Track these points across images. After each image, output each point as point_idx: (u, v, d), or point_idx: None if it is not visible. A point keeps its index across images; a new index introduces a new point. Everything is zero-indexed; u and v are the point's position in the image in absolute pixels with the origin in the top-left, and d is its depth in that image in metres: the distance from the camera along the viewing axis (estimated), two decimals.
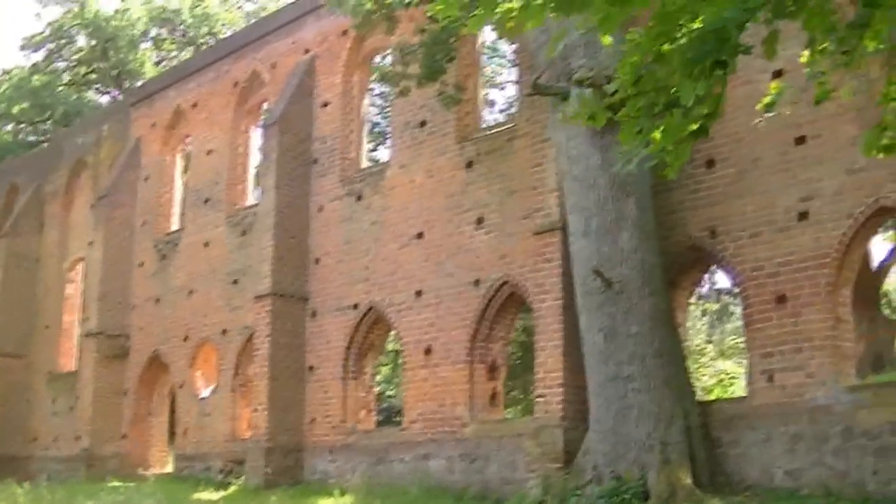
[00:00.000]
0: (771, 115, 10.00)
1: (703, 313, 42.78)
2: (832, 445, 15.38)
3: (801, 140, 16.45)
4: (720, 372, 36.83)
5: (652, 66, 6.83)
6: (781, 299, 16.35)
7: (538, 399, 18.67)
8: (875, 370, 23.05)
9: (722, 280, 36.46)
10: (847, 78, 12.19)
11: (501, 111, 38.97)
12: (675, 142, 6.89)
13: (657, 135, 6.85)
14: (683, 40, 6.48)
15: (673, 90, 6.59)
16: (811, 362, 15.90)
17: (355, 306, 23.29)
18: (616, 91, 7.36)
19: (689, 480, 15.65)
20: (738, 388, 31.16)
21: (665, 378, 16.50)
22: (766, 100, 9.07)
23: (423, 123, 22.47)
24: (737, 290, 18.43)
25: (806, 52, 7.89)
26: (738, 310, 44.54)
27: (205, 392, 27.79)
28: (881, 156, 7.46)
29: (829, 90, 8.66)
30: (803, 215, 16.27)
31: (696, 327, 40.53)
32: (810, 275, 16.05)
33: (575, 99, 17.07)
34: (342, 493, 20.40)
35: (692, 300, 24.56)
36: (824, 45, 7.64)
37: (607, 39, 7.24)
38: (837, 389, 15.58)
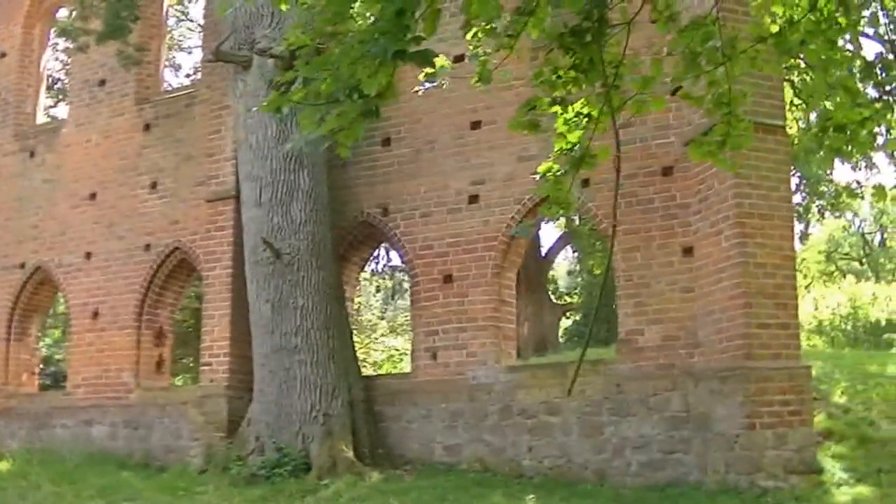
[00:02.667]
0: (431, 86, 9.59)
1: (378, 289, 42.55)
2: (490, 423, 15.25)
3: (476, 125, 16.22)
4: (391, 348, 36.78)
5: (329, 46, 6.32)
6: (448, 279, 16.08)
7: (204, 367, 17.79)
8: (538, 352, 23.27)
9: (396, 257, 36.42)
10: (523, 66, 12.00)
11: (188, 76, 37.51)
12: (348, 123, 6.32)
13: (333, 117, 6.24)
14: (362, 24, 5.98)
15: (351, 77, 6.01)
16: (474, 342, 15.72)
17: (22, 265, 21.59)
18: (292, 67, 6.77)
19: (350, 453, 15.24)
20: (408, 365, 31.13)
21: (330, 351, 16.00)
22: (428, 72, 8.68)
23: (102, 82, 20.98)
24: (406, 268, 18.02)
25: (469, 34, 7.68)
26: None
27: None
28: (527, 132, 7.15)
29: (489, 72, 8.37)
30: (474, 198, 16.05)
31: (369, 303, 40.31)
32: (477, 256, 15.85)
33: (256, 69, 16.31)
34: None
35: (363, 275, 24.12)
36: (487, 27, 7.55)
37: (284, 5, 6.66)
38: (497, 369, 15.47)
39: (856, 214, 49.09)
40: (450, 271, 16.08)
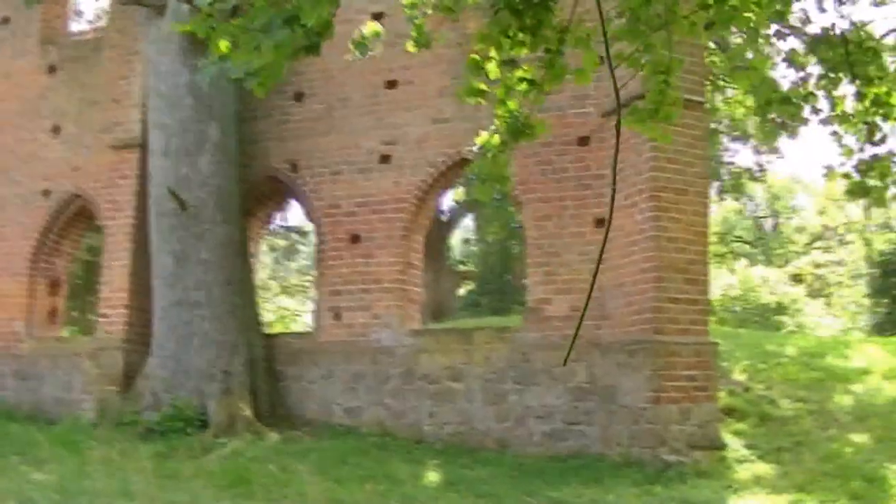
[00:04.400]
0: (359, 57, 9.24)
1: (271, 249, 41.85)
2: (392, 386, 14.89)
3: (391, 84, 15.77)
4: (282, 308, 36.26)
5: None
6: (355, 239, 15.64)
7: (101, 319, 17.05)
8: (436, 318, 22.93)
9: (292, 218, 35.84)
10: (445, 28, 11.59)
11: (90, 22, 36.13)
12: (274, 58, 5.84)
13: (270, 48, 5.74)
14: None
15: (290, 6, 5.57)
16: (379, 304, 15.33)
17: None
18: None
19: (249, 412, 14.81)
20: (298, 326, 30.68)
21: (232, 307, 15.50)
22: (358, 40, 8.30)
23: (5, 20, 19.95)
24: (312, 225, 17.50)
25: None
26: (304, 249, 44.32)
27: None
28: (475, 101, 6.78)
29: (427, 36, 8.02)
30: (385, 158, 15.61)
31: (262, 262, 39.61)
32: (386, 217, 15.43)
33: (170, 14, 15.62)
34: None
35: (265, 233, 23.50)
36: None
37: None
38: (401, 332, 15.09)
39: (751, 198, 49.56)
40: (357, 231, 15.62)
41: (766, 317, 36.12)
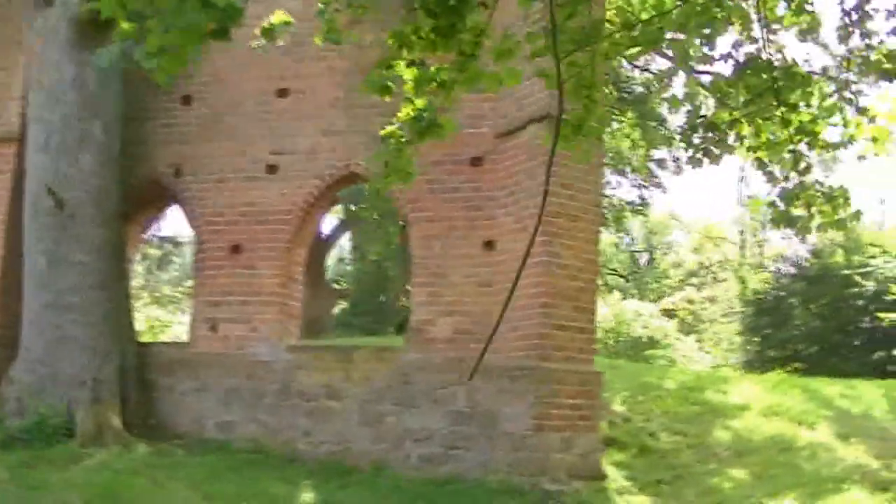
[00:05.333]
0: (262, 44, 8.86)
1: (144, 258, 40.82)
2: (268, 402, 14.39)
3: (283, 93, 15.30)
4: (152, 318, 35.38)
5: None
6: (237, 249, 15.13)
7: None
8: (310, 335, 22.45)
9: (166, 228, 35.06)
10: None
11: None
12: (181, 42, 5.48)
13: (177, 31, 5.38)
14: None
15: None
16: (257, 317, 14.86)
17: None
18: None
19: (118, 422, 14.11)
20: (168, 338, 29.97)
21: (105, 313, 14.85)
22: (267, 27, 7.97)
23: None
24: (192, 234, 16.88)
25: None
26: (177, 260, 43.39)
27: None
28: (383, 97, 6.56)
29: (338, 31, 7.78)
30: (273, 168, 15.14)
31: (134, 271, 38.64)
32: (270, 229, 14.97)
33: (59, 6, 15.01)
34: None
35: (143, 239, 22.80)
36: None
37: None
38: (280, 347, 14.63)
39: (627, 232, 50.08)
40: (239, 241, 15.12)
41: (638, 350, 36.39)
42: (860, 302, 36.62)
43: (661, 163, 32.40)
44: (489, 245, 13.61)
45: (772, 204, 7.59)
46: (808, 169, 7.44)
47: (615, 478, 12.33)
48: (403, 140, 6.80)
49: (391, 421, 13.61)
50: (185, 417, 14.82)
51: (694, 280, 52.58)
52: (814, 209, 7.31)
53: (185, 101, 15.87)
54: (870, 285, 36.64)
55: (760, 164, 7.62)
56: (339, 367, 14.21)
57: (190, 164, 15.65)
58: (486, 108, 13.73)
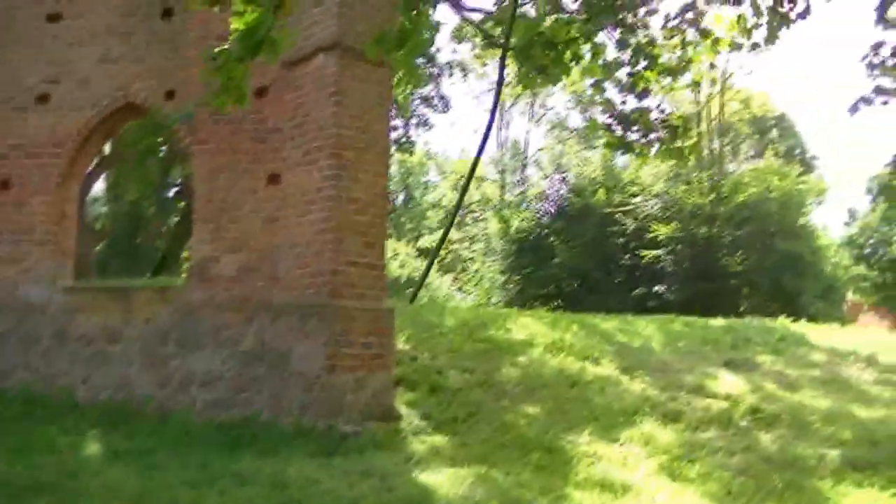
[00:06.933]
0: None
1: None
2: (42, 347, 13.49)
3: (55, 18, 14.24)
4: None
5: None
6: (6, 185, 14.09)
7: None
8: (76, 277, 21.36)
9: None
10: None
11: None
12: None
13: None
14: None
15: None
16: (29, 257, 13.87)
17: None
18: None
19: None
20: None
21: None
22: None
23: None
24: None
25: None
26: None
27: None
28: (211, 7, 6.06)
29: None
30: (44, 98, 14.12)
31: None
32: (41, 163, 14.00)
33: None
34: None
35: None
36: None
37: None
38: (54, 289, 13.69)
39: None
40: (8, 176, 14.10)
41: (397, 290, 36.29)
42: (621, 240, 37.63)
43: (427, 101, 32.24)
44: (274, 179, 12.99)
45: (608, 128, 7.35)
46: (646, 92, 7.22)
47: (409, 417, 12.02)
48: (234, 58, 6.21)
49: (175, 364, 12.94)
50: None
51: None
52: (652, 136, 7.09)
53: None
54: (630, 223, 37.65)
55: (597, 87, 7.37)
56: (118, 309, 13.45)
57: None
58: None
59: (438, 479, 9.67)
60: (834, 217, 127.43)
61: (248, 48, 6.19)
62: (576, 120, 50.47)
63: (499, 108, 53.06)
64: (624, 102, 7.12)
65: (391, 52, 6.57)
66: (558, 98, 49.74)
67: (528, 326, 17.05)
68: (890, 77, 9.49)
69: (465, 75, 39.30)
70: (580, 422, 12.16)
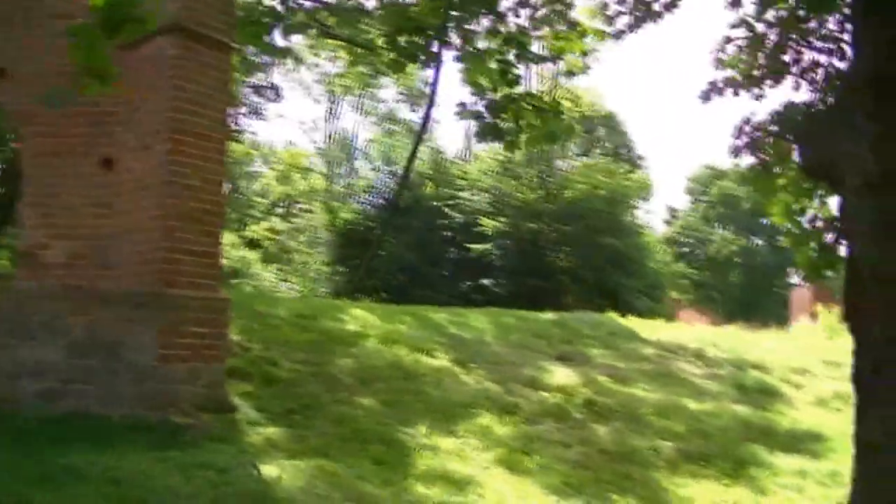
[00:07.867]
0: None
1: None
2: None
3: None
4: None
5: None
6: None
7: None
8: None
9: None
10: None
11: None
12: None
13: None
14: None
15: None
16: None
17: None
18: None
19: None
20: None
21: None
22: None
23: None
24: None
25: None
26: None
27: None
28: None
29: None
30: None
31: None
32: None
33: None
34: None
35: None
36: None
37: None
38: None
39: None
40: None
41: (222, 281, 35.88)
42: (448, 233, 37.88)
43: (258, 90, 31.86)
44: (108, 164, 12.57)
45: (478, 116, 7.29)
46: (516, 80, 7.19)
47: (244, 409, 11.79)
48: (97, 36, 5.90)
49: (3, 355, 12.37)
50: None
51: (279, 210, 52.56)
52: (523, 122, 7.06)
53: None
54: (458, 217, 37.93)
55: (468, 74, 7.29)
56: None
57: None
58: None
59: (278, 471, 9.53)
60: (657, 216, 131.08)
61: (108, 28, 5.91)
62: (405, 113, 50.50)
63: (329, 99, 52.83)
64: (495, 90, 7.13)
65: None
66: (388, 92, 49.67)
67: (361, 317, 16.95)
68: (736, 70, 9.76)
69: (295, 66, 38.89)
70: (417, 414, 12.15)
